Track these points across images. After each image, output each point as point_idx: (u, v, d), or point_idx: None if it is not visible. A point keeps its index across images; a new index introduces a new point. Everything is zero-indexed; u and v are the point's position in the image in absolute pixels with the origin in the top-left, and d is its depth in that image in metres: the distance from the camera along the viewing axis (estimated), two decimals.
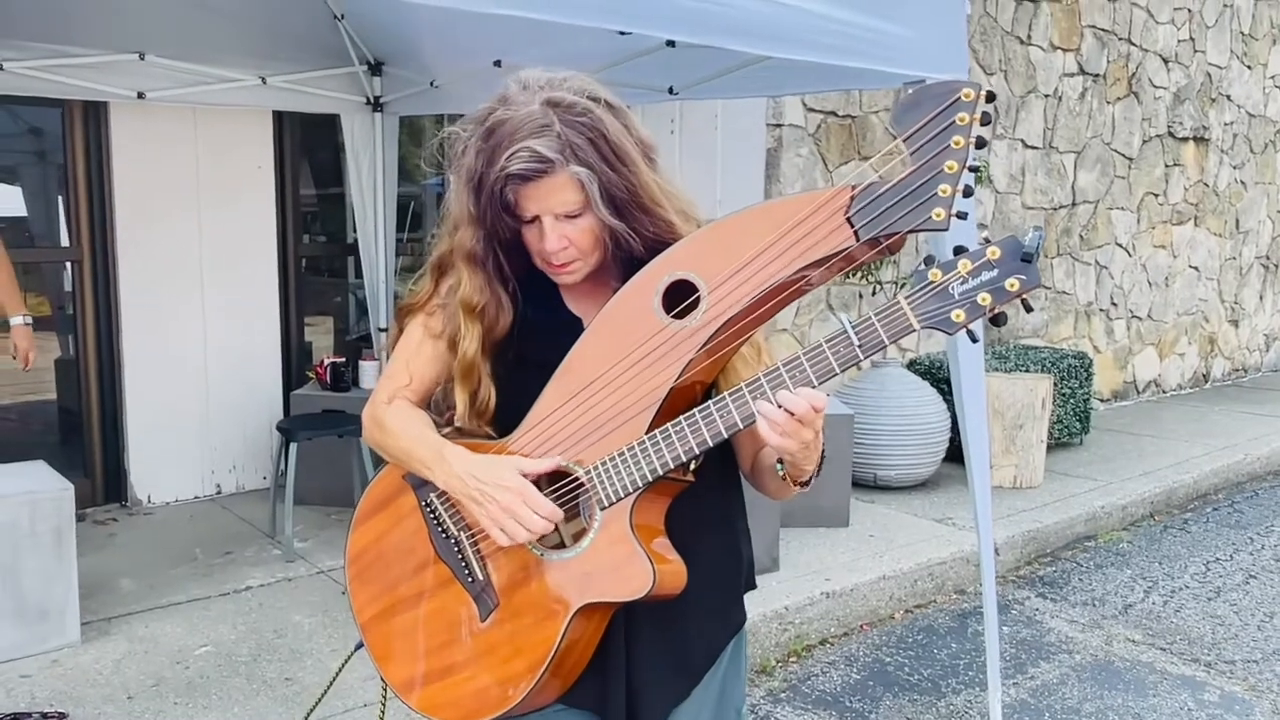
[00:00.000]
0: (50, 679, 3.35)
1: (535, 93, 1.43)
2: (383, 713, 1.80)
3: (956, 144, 1.24)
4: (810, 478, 1.46)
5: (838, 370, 1.30)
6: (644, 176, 1.46)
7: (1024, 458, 5.70)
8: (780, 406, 1.30)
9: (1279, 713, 3.54)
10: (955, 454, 4.54)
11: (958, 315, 1.24)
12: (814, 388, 1.32)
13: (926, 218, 1.24)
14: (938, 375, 5.84)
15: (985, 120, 1.24)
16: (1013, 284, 1.22)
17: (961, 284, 1.23)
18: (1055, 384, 6.20)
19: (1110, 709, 3.55)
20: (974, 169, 1.24)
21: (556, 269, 1.50)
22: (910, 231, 1.26)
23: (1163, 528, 5.58)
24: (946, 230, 1.25)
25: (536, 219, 1.45)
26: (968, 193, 1.24)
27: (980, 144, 1.24)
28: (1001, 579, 4.74)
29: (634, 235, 1.46)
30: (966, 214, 1.23)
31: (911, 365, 6.20)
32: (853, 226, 1.28)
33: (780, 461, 1.43)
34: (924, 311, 1.25)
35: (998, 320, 1.24)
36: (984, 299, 1.23)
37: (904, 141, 1.26)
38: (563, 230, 1.45)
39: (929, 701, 3.60)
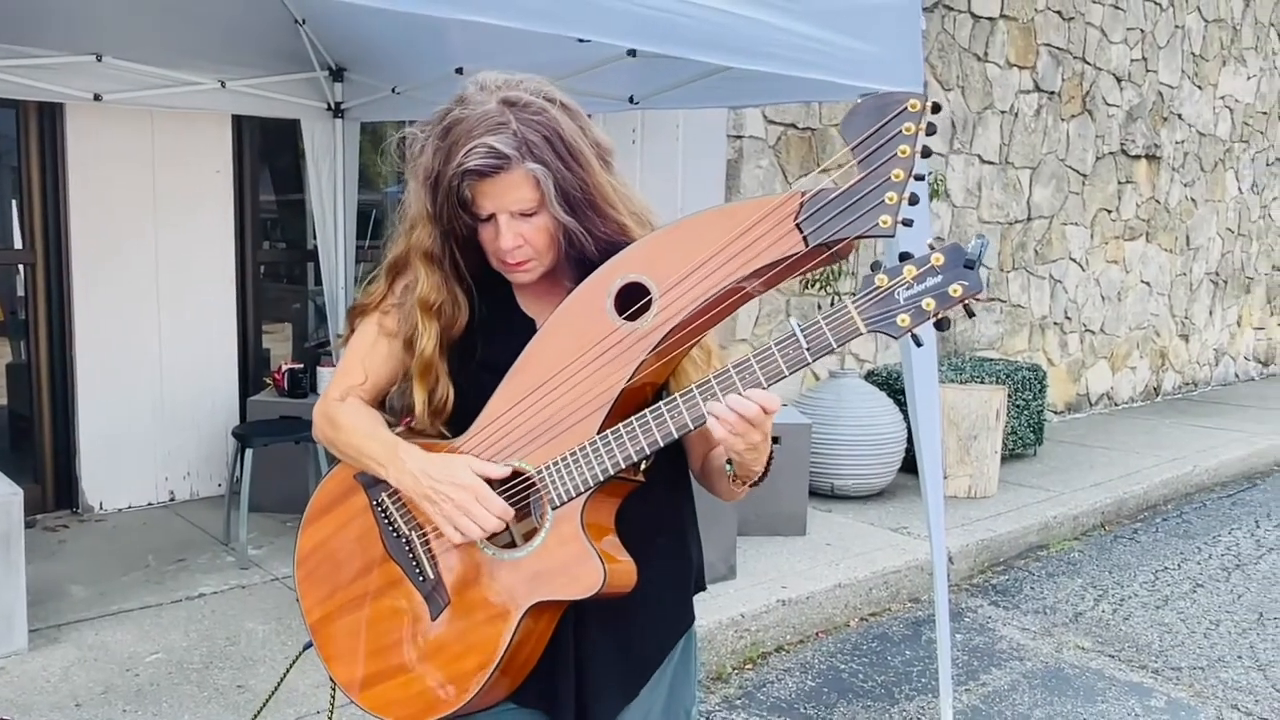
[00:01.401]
0: None
1: (492, 93, 1.45)
2: (331, 713, 1.79)
3: (903, 153, 1.27)
4: (759, 478, 1.48)
5: (787, 372, 1.33)
6: (598, 177, 1.48)
7: (978, 468, 5.77)
8: (731, 409, 1.33)
9: (1222, 718, 3.61)
10: (911, 464, 4.60)
11: (903, 320, 1.27)
12: (764, 389, 1.34)
13: (873, 225, 1.27)
14: (895, 386, 5.90)
15: (931, 130, 1.28)
16: (956, 289, 1.25)
17: (906, 289, 1.27)
18: (1009, 396, 6.29)
19: (1060, 715, 3.60)
20: (920, 178, 1.27)
21: (512, 268, 1.52)
22: (858, 238, 1.29)
23: (1113, 537, 5.67)
24: (893, 237, 1.28)
25: (493, 217, 1.47)
26: (914, 201, 1.27)
27: (926, 153, 1.27)
28: (955, 587, 4.80)
29: (587, 236, 1.48)
30: (913, 221, 1.27)
31: (869, 376, 6.26)
32: (802, 232, 1.31)
33: (729, 462, 1.45)
34: (870, 315, 1.28)
35: (941, 325, 1.28)
36: (928, 304, 1.26)
37: (852, 150, 1.30)
38: (518, 228, 1.47)
39: (882, 708, 3.64)
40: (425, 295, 1.52)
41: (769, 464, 1.47)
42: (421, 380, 1.54)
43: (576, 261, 1.52)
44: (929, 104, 1.28)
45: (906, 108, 1.28)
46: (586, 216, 1.47)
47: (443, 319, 1.54)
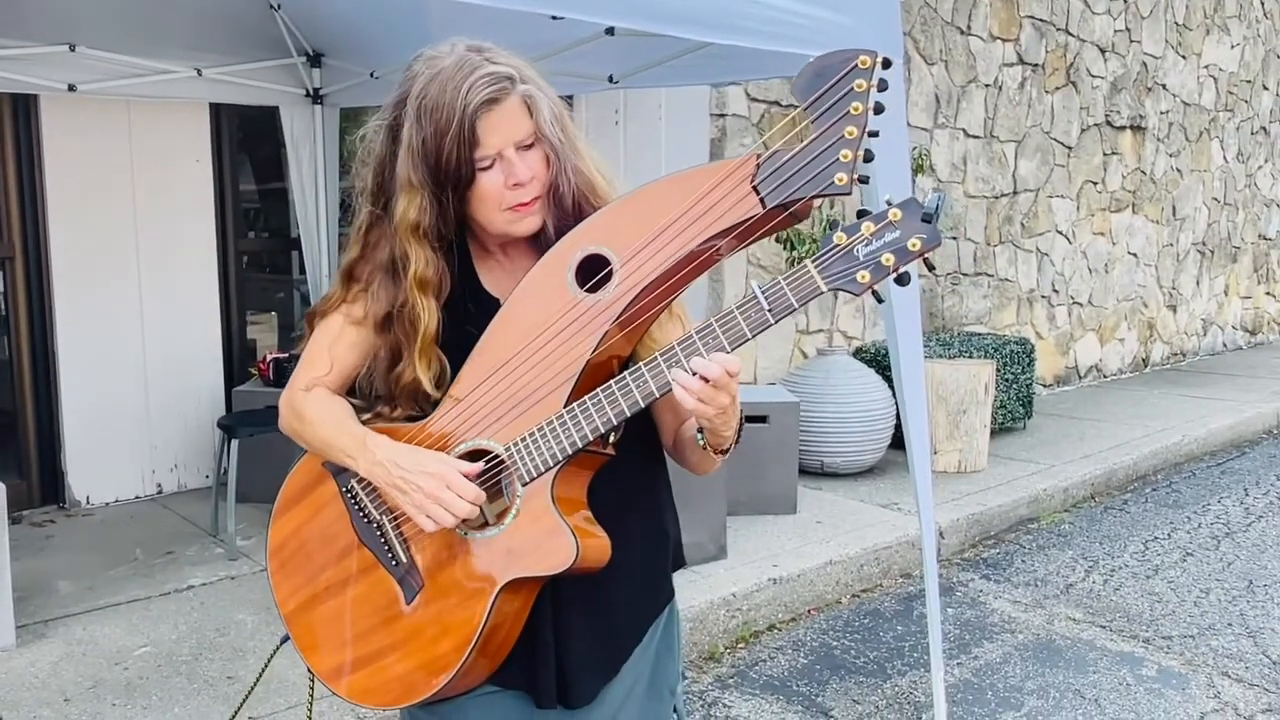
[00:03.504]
0: None
1: (449, 51, 1.46)
2: (310, 703, 1.78)
3: (855, 110, 1.27)
4: (730, 446, 1.47)
5: (749, 334, 1.32)
6: (566, 113, 1.50)
7: (968, 442, 5.77)
8: (695, 374, 1.32)
9: (1213, 685, 3.62)
10: (901, 440, 4.60)
11: (863, 276, 1.27)
12: (727, 353, 1.33)
13: (829, 183, 1.27)
14: (883, 363, 5.89)
15: (882, 86, 1.28)
16: (914, 244, 1.25)
17: (866, 246, 1.26)
18: (998, 370, 6.29)
19: (1051, 686, 3.61)
20: (874, 134, 1.27)
21: (521, 210, 1.48)
22: (814, 197, 1.29)
23: (1103, 509, 5.68)
24: (849, 194, 1.28)
25: (497, 159, 1.45)
26: (868, 158, 1.27)
27: (879, 110, 1.27)
28: (946, 562, 4.81)
29: (566, 173, 1.48)
30: (869, 178, 1.26)
31: (857, 353, 6.25)
32: (759, 194, 1.31)
33: (700, 431, 1.44)
34: (830, 274, 1.28)
35: (902, 280, 1.28)
36: (887, 259, 1.26)
37: (805, 110, 1.29)
38: (526, 160, 1.46)
39: (875, 684, 3.64)
40: (423, 274, 1.49)
41: (739, 432, 1.46)
42: (424, 358, 1.50)
43: (554, 215, 1.51)
44: (880, 59, 1.27)
45: (857, 64, 1.27)
46: (565, 147, 1.49)
47: (439, 295, 1.52)
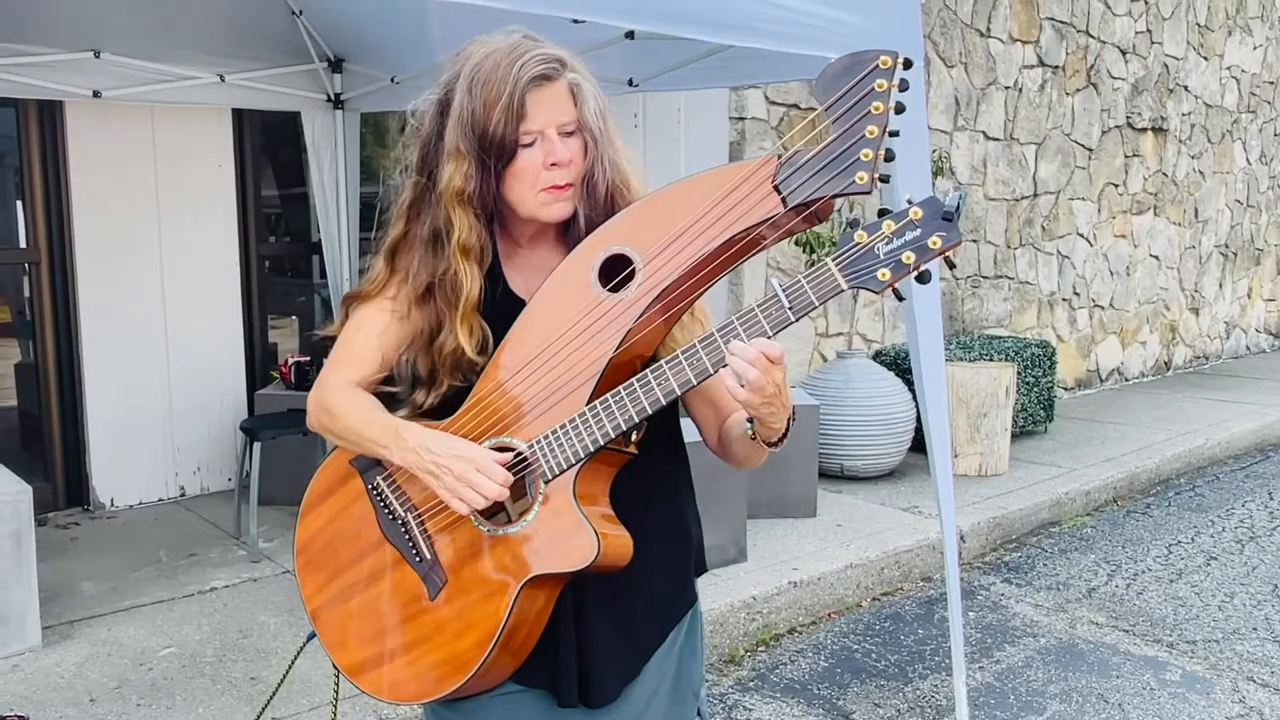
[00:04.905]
0: (10, 683, 3.31)
1: (505, 36, 1.49)
2: (335, 698, 1.79)
3: (876, 110, 1.28)
4: (780, 437, 1.46)
5: (770, 332, 1.32)
6: (608, 109, 1.53)
7: (989, 446, 5.75)
8: (738, 358, 1.32)
9: (1238, 690, 3.59)
10: (921, 443, 4.57)
11: (883, 274, 1.27)
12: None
13: (850, 182, 1.28)
14: (903, 366, 5.87)
15: (903, 86, 1.28)
16: (935, 242, 1.25)
17: (886, 244, 1.27)
18: (1019, 373, 6.26)
19: (1074, 690, 3.58)
20: (894, 133, 1.27)
21: (556, 191, 1.50)
22: (835, 196, 1.30)
23: (1125, 512, 5.65)
24: (870, 194, 1.30)
25: (540, 137, 1.47)
26: (889, 157, 1.28)
27: (900, 109, 1.28)
28: (967, 565, 4.79)
29: (603, 165, 1.51)
30: (889, 177, 1.27)
31: (877, 356, 6.24)
32: (780, 194, 1.32)
33: (750, 421, 1.44)
34: (851, 272, 1.29)
35: (922, 278, 1.28)
36: (908, 257, 1.26)
37: (826, 110, 1.30)
38: (567, 144, 1.49)
39: (896, 687, 3.63)
40: (466, 240, 1.51)
41: (790, 423, 1.45)
42: (465, 324, 1.51)
43: (586, 205, 1.53)
44: (900, 60, 1.28)
45: (878, 65, 1.28)
46: (604, 139, 1.51)
47: (481, 262, 1.53)
